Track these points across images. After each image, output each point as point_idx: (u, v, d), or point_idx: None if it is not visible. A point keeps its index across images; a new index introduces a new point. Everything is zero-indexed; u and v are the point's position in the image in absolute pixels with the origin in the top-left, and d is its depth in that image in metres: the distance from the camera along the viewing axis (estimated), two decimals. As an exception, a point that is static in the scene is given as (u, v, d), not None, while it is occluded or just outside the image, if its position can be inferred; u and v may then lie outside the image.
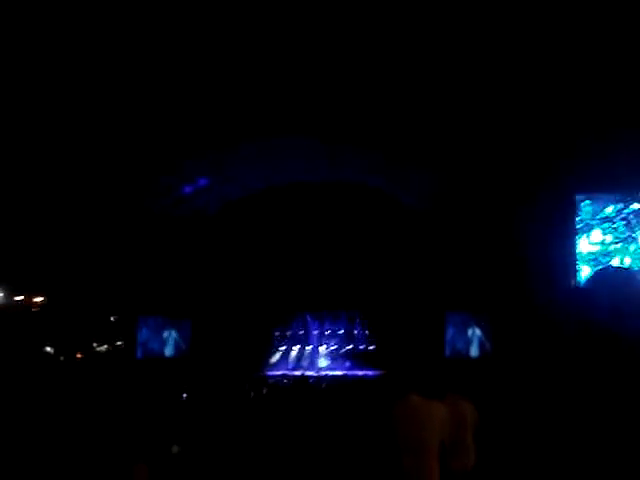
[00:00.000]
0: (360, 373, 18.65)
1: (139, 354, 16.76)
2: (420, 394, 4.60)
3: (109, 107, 12.51)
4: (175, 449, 8.76)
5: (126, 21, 10.43)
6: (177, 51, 11.17)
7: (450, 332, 17.79)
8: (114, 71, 11.59)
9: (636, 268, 9.70)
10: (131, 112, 12.75)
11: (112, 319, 17.57)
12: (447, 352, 17.67)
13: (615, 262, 9.74)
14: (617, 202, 9.76)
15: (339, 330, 20.26)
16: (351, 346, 20.17)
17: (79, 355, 16.49)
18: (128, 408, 10.75)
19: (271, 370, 19.28)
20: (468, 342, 17.48)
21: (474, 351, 17.37)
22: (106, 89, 12.00)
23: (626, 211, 9.77)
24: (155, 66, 11.58)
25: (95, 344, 16.99)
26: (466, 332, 17.61)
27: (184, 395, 12.76)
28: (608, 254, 9.86)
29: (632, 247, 9.80)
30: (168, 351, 17.22)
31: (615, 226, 9.76)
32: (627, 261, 9.78)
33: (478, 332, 17.37)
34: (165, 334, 17.39)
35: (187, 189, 16.06)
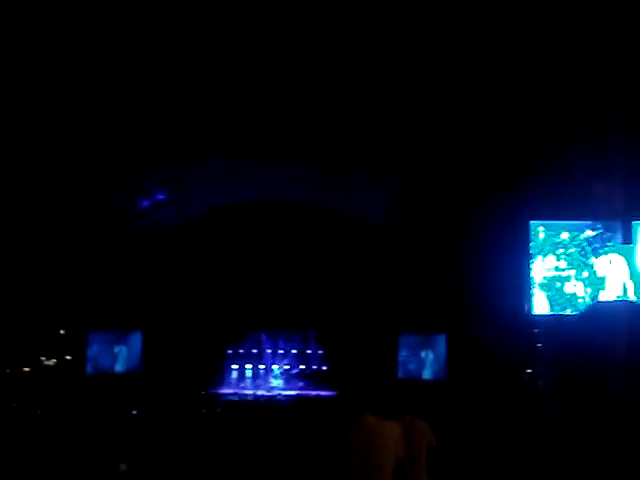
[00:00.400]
0: (313, 393, 18.60)
1: (89, 369, 16.44)
2: (375, 414, 4.59)
3: (66, 115, 12.33)
4: (123, 467, 8.60)
5: (90, 32, 10.32)
6: (140, 61, 11.07)
7: (403, 353, 17.86)
8: (72, 79, 11.43)
9: (589, 294, 9.88)
10: (89, 120, 12.60)
11: (61, 333, 17.22)
12: (400, 374, 17.74)
13: (569, 288, 9.91)
14: (571, 230, 9.93)
15: (292, 349, 20.19)
16: (304, 366, 20.11)
17: (26, 369, 16.11)
18: (77, 424, 10.54)
19: (223, 388, 19.10)
20: (421, 364, 17.58)
21: (427, 373, 17.47)
22: (65, 96, 11.83)
23: (580, 238, 9.94)
24: (116, 72, 11.46)
25: (43, 358, 16.62)
26: (419, 354, 17.71)
27: (134, 411, 12.56)
28: (561, 280, 9.99)
29: (585, 273, 9.96)
30: (119, 367, 16.90)
31: (569, 252, 9.92)
32: (580, 287, 9.96)
33: (431, 355, 17.48)
34: (116, 349, 17.07)
35: (145, 203, 15.88)
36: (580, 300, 9.64)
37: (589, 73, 10.29)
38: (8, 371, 15.44)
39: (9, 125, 12.12)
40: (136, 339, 17.40)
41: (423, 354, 17.64)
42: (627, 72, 9.98)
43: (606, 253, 9.94)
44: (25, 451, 8.34)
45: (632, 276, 9.92)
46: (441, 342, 17.19)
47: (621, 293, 9.72)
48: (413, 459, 5.59)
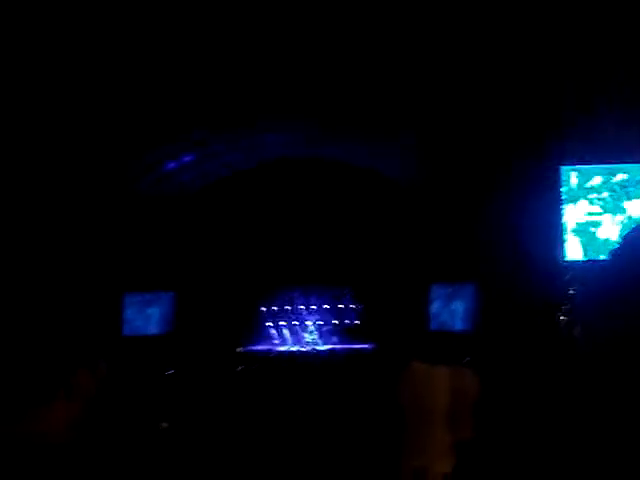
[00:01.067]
0: (347, 347, 18.73)
1: (126, 331, 16.72)
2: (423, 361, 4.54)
3: (89, 84, 12.32)
4: (164, 425, 8.74)
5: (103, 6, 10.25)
6: (160, 34, 11.00)
7: (435, 305, 17.83)
8: (93, 51, 11.39)
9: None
10: (114, 90, 12.58)
11: (96, 297, 17.46)
12: (432, 325, 17.73)
13: (602, 232, 9.76)
14: (603, 174, 9.75)
15: (325, 305, 20.29)
16: (337, 321, 20.23)
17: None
18: (116, 384, 10.72)
19: (258, 345, 19.31)
20: (453, 315, 17.55)
21: (459, 324, 17.45)
22: (85, 68, 11.81)
23: (612, 182, 9.77)
24: (137, 46, 11.41)
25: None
26: (450, 305, 17.67)
27: (171, 371, 12.75)
28: (595, 225, 9.86)
29: (619, 217, 9.81)
30: (153, 328, 17.16)
31: (602, 197, 9.76)
32: (614, 231, 9.81)
33: (462, 305, 17.44)
34: (149, 311, 17.31)
35: (171, 165, 15.92)
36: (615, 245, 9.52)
37: (620, 16, 9.99)
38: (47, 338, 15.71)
39: (33, 96, 12.16)
40: (169, 301, 17.63)
41: (454, 305, 17.60)
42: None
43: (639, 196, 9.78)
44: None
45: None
46: (472, 292, 17.12)
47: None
48: (457, 411, 5.54)
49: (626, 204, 9.62)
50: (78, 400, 1.73)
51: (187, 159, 16.19)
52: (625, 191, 9.61)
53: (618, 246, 1.39)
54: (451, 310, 17.63)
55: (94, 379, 1.79)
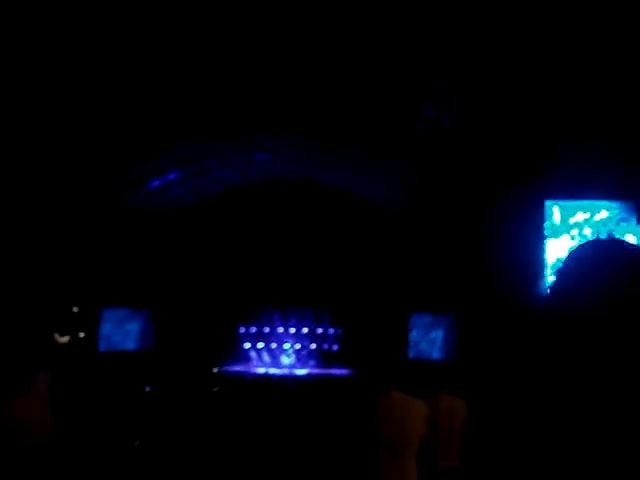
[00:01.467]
0: (325, 372, 18.68)
1: (102, 347, 16.57)
2: (401, 391, 4.53)
3: (78, 97, 12.32)
4: (137, 443, 8.68)
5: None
6: (152, 43, 11.03)
7: (415, 333, 17.87)
8: (84, 60, 11.41)
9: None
10: (102, 102, 12.59)
11: (74, 310, 17.32)
12: (411, 354, 17.76)
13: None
14: (586, 210, 9.88)
15: (304, 328, 20.26)
16: (315, 345, 20.19)
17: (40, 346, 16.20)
18: (90, 400, 10.63)
19: (235, 366, 19.20)
20: (432, 344, 17.59)
21: (437, 354, 17.49)
22: (75, 78, 11.81)
23: (595, 218, 9.90)
24: (127, 55, 11.43)
25: (57, 335, 16.74)
26: (430, 334, 17.71)
27: (147, 389, 12.66)
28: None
29: (600, 254, 9.91)
30: (131, 344, 17.03)
31: (583, 233, 9.88)
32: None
33: (441, 335, 17.49)
34: (128, 327, 17.19)
35: (156, 183, 15.91)
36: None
37: (606, 57, 10.18)
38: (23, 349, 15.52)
39: (25, 106, 12.14)
40: (148, 317, 17.52)
41: (433, 334, 17.64)
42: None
43: (621, 234, 9.89)
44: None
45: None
46: (451, 323, 17.19)
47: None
48: (447, 438, 5.57)
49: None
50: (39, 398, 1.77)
51: (173, 176, 16.20)
52: (607, 228, 9.75)
53: (564, 264, 1.44)
54: (430, 339, 17.68)
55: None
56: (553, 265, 9.88)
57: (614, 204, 9.91)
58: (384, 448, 4.23)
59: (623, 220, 9.79)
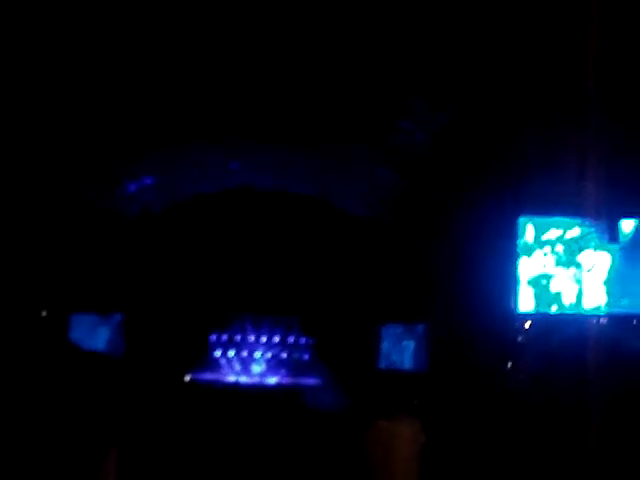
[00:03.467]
0: (295, 381, 18.64)
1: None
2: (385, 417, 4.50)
3: (52, 98, 12.19)
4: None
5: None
6: (128, 54, 10.98)
7: (386, 344, 17.92)
8: (59, 61, 11.30)
9: (575, 292, 9.96)
10: (78, 104, 12.47)
11: (42, 315, 17.10)
12: (382, 364, 17.80)
13: (555, 286, 9.97)
14: (559, 227, 9.99)
15: (275, 337, 20.18)
16: (287, 354, 20.11)
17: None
18: (59, 407, 10.49)
19: (205, 374, 19.07)
20: (403, 355, 17.65)
21: (408, 364, 17.55)
22: (48, 79, 11.70)
23: (567, 236, 10.01)
24: (104, 57, 11.35)
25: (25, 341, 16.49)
26: (401, 344, 17.77)
27: (115, 396, 12.52)
28: (547, 277, 10.07)
29: (572, 271, 10.05)
30: (100, 350, 16.84)
31: (556, 250, 9.99)
32: (566, 285, 10.04)
33: (412, 346, 17.55)
34: (98, 333, 17.01)
35: (132, 187, 15.80)
36: (566, 298, 9.73)
37: (578, 68, 10.31)
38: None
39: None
40: (118, 323, 17.34)
41: (404, 345, 17.70)
42: (617, 70, 10.01)
43: (593, 251, 10.01)
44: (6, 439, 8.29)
45: (617, 274, 10.03)
46: (423, 333, 17.27)
47: (604, 292, 9.83)
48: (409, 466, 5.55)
49: (579, 258, 9.88)
50: None
51: (148, 181, 16.10)
52: (579, 246, 9.86)
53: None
54: (401, 349, 17.73)
55: None
56: (527, 281, 9.98)
57: (587, 221, 10.04)
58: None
59: (596, 238, 9.92)
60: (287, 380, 19.03)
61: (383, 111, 12.33)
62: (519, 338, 11.67)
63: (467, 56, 10.37)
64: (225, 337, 19.97)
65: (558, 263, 9.79)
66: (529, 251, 9.84)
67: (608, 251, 9.83)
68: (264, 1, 10.15)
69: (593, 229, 9.83)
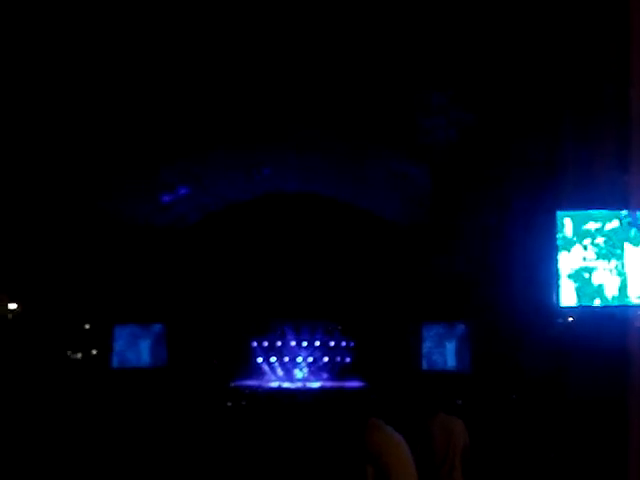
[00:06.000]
0: (338, 384, 18.60)
1: (115, 363, 16.59)
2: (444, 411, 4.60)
3: (84, 110, 12.36)
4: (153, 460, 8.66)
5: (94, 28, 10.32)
6: (154, 50, 11.06)
7: (427, 344, 17.80)
8: (86, 70, 11.44)
9: (617, 285, 9.78)
10: (107, 117, 12.63)
11: (86, 327, 17.38)
12: (424, 365, 17.69)
13: (597, 278, 9.81)
14: (598, 220, 9.82)
15: (316, 341, 20.19)
16: (328, 358, 20.11)
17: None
18: (104, 418, 10.63)
19: (248, 381, 19.16)
20: (445, 355, 17.51)
21: (451, 365, 17.40)
22: (80, 89, 11.85)
23: (607, 228, 9.84)
24: (132, 68, 11.47)
25: (69, 353, 16.78)
26: (443, 345, 17.63)
27: (161, 405, 12.64)
28: (589, 270, 9.91)
29: (613, 263, 9.87)
30: (144, 361, 17.04)
31: (596, 242, 9.82)
32: (607, 278, 9.86)
33: (455, 345, 17.41)
34: (141, 344, 17.21)
35: (167, 198, 15.95)
36: (608, 290, 9.55)
37: (611, 57, 10.14)
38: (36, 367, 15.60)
39: (20, 122, 12.17)
40: (161, 333, 17.54)
41: (446, 345, 17.56)
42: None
43: (633, 242, 9.83)
44: (54, 445, 8.43)
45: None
46: (464, 332, 17.12)
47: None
48: (452, 462, 5.52)
49: (619, 250, 9.70)
50: None
51: (183, 192, 16.24)
52: (619, 237, 9.69)
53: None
54: (443, 350, 17.60)
55: None
56: (568, 275, 9.82)
57: (625, 213, 9.85)
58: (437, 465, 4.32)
59: (635, 228, 9.74)
60: (330, 384, 19.02)
61: (411, 108, 12.27)
62: (563, 333, 11.53)
63: (497, 50, 10.29)
64: (266, 343, 20.08)
65: (599, 256, 9.64)
66: (569, 245, 9.70)
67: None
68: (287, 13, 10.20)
69: (632, 221, 9.66)
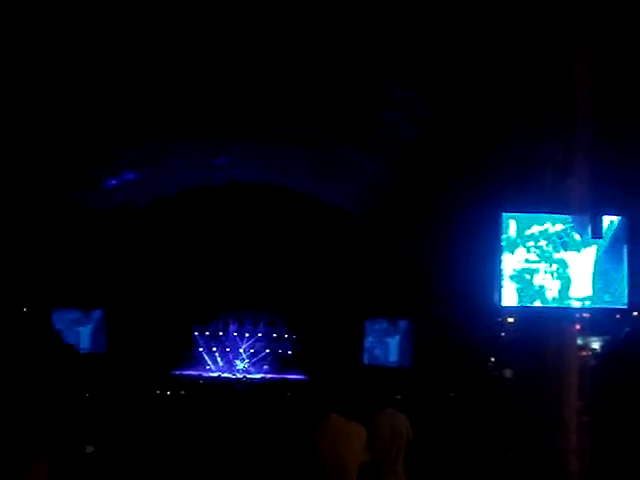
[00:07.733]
0: (279, 376, 18.63)
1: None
2: (341, 413, 4.53)
3: (32, 93, 12.06)
4: (89, 449, 8.52)
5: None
6: (113, 40, 10.87)
7: (369, 339, 17.96)
8: (41, 56, 11.18)
9: (558, 287, 9.99)
10: (59, 99, 12.36)
11: (24, 310, 16.98)
12: (365, 359, 17.85)
13: (538, 280, 9.99)
14: (541, 223, 10.01)
15: (259, 332, 20.18)
16: (270, 349, 20.12)
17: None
18: (39, 402, 10.41)
19: (188, 370, 19.04)
20: (387, 350, 17.71)
21: (392, 359, 17.60)
22: (29, 73, 11.57)
23: (550, 231, 10.03)
24: (87, 53, 11.24)
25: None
26: (385, 340, 17.82)
27: (98, 392, 12.45)
28: (531, 272, 10.09)
29: (554, 266, 10.07)
30: (83, 346, 16.77)
31: (539, 245, 10.01)
32: (548, 280, 10.06)
33: (396, 341, 17.61)
34: (80, 328, 16.93)
35: (113, 182, 15.68)
36: (549, 292, 9.74)
37: (561, 66, 10.33)
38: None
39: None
40: (100, 318, 17.27)
41: (388, 340, 17.76)
42: (599, 68, 10.06)
43: (575, 247, 10.04)
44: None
45: (599, 270, 10.06)
46: (407, 329, 17.33)
47: (590, 287, 9.85)
48: (391, 455, 5.58)
49: (562, 254, 9.90)
50: None
51: (129, 176, 15.99)
52: (562, 241, 9.88)
53: None
54: (385, 345, 17.79)
55: None
56: (510, 276, 9.98)
57: (569, 217, 10.04)
58: (327, 469, 4.27)
59: (578, 233, 9.94)
60: (270, 375, 19.05)
61: (369, 102, 12.30)
62: (502, 332, 11.74)
63: (453, 49, 10.38)
64: (208, 333, 19.98)
65: (541, 258, 9.81)
66: (512, 246, 9.84)
67: (591, 247, 9.86)
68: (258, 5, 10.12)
69: (576, 225, 9.86)
